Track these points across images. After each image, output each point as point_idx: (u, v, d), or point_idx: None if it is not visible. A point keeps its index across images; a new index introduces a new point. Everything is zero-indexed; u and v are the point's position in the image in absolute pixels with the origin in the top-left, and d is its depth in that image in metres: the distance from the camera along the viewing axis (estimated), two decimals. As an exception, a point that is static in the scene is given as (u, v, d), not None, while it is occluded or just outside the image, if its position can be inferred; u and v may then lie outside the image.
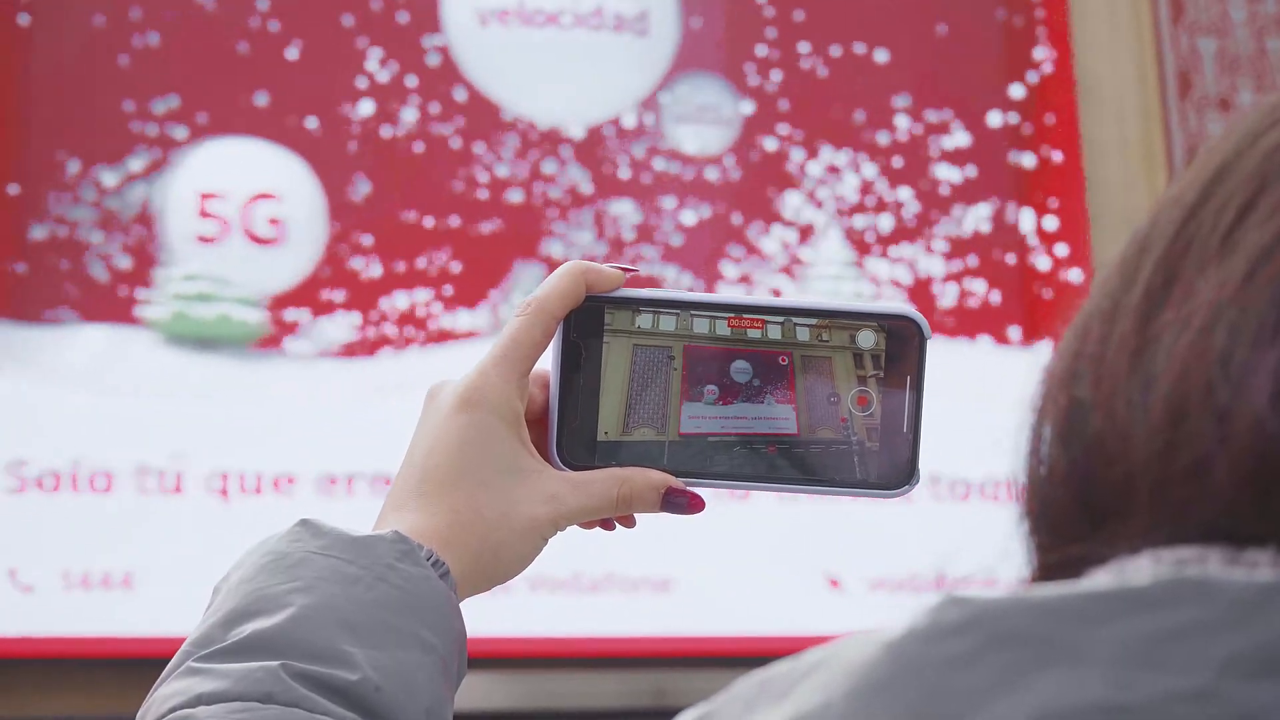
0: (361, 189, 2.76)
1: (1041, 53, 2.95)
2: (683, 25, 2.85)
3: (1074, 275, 2.83)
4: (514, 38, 2.77)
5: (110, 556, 2.56)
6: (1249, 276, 0.47)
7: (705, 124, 2.84)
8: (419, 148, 2.79)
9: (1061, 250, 2.87)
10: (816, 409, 0.78)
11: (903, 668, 0.44)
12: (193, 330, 2.66)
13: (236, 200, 2.70)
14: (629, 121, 2.82)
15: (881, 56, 2.94)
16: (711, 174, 2.84)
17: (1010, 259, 2.89)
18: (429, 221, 2.77)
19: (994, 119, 2.95)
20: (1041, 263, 2.88)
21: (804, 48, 2.91)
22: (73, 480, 2.57)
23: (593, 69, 2.80)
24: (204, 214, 2.69)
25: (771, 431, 0.78)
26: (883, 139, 2.91)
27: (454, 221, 2.78)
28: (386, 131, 2.78)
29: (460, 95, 2.80)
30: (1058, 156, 2.89)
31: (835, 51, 2.92)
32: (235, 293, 2.67)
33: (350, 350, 2.72)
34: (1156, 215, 0.52)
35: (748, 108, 2.87)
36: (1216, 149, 0.51)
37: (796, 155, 2.88)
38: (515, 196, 2.79)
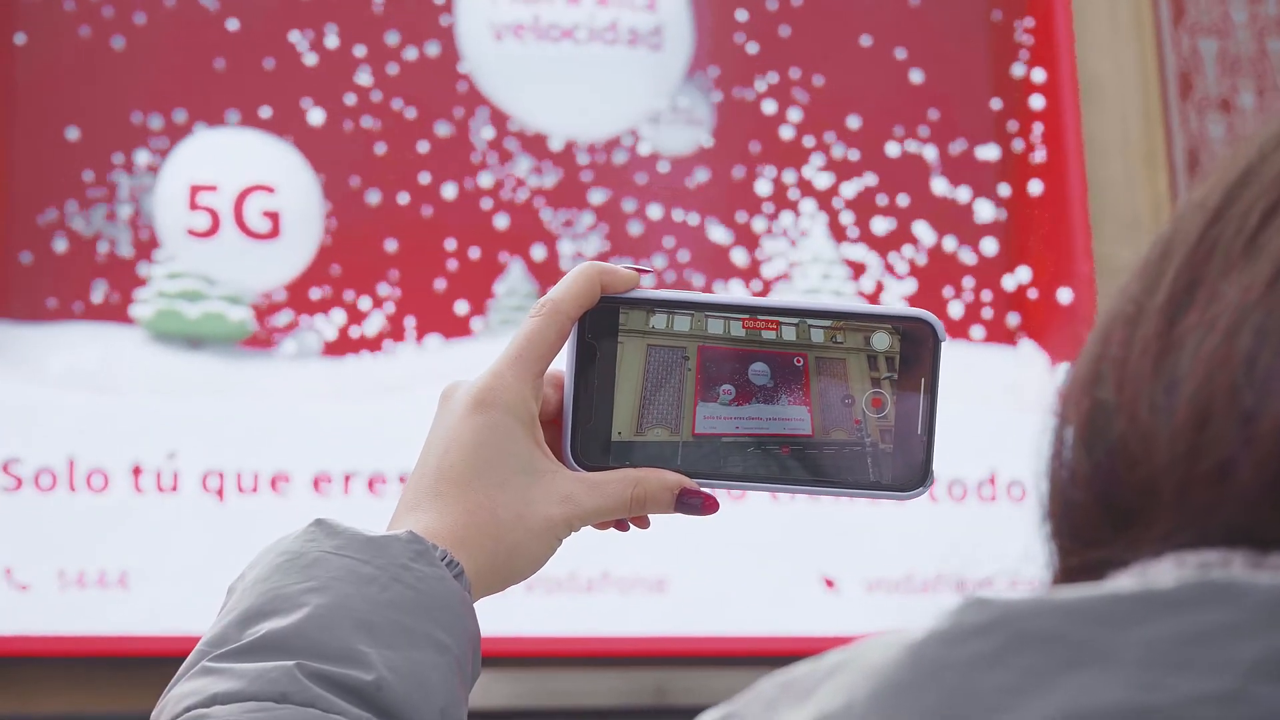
0: (358, 187, 2.76)
1: (1042, 53, 2.95)
2: (696, 38, 2.86)
3: (1069, 278, 2.83)
4: (529, 52, 2.77)
5: (106, 555, 2.55)
6: (1274, 280, 0.47)
7: (697, 126, 2.85)
8: (422, 148, 2.79)
9: (1060, 250, 2.87)
10: (831, 410, 0.78)
11: (925, 669, 0.43)
12: (181, 328, 2.66)
13: (229, 193, 2.69)
14: (642, 133, 2.82)
15: (880, 58, 2.94)
16: (704, 175, 2.85)
17: (1006, 257, 2.89)
18: (426, 222, 2.77)
19: (993, 119, 2.95)
20: (1039, 262, 2.88)
21: (800, 47, 2.91)
22: (69, 479, 2.57)
23: (607, 83, 2.81)
24: (195, 207, 2.68)
25: (785, 432, 0.78)
26: (881, 139, 2.91)
27: (454, 222, 2.78)
28: (390, 132, 2.78)
29: (476, 108, 2.80)
30: (1057, 157, 2.89)
31: (831, 52, 2.92)
32: (223, 290, 2.67)
33: (343, 348, 2.72)
34: (1180, 219, 0.52)
35: (738, 108, 2.88)
36: (1241, 153, 0.51)
37: (791, 155, 2.88)
38: (517, 200, 2.79)
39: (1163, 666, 0.41)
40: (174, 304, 2.65)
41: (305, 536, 0.74)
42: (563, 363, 0.79)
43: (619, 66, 2.80)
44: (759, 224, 2.84)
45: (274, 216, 2.69)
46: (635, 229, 2.82)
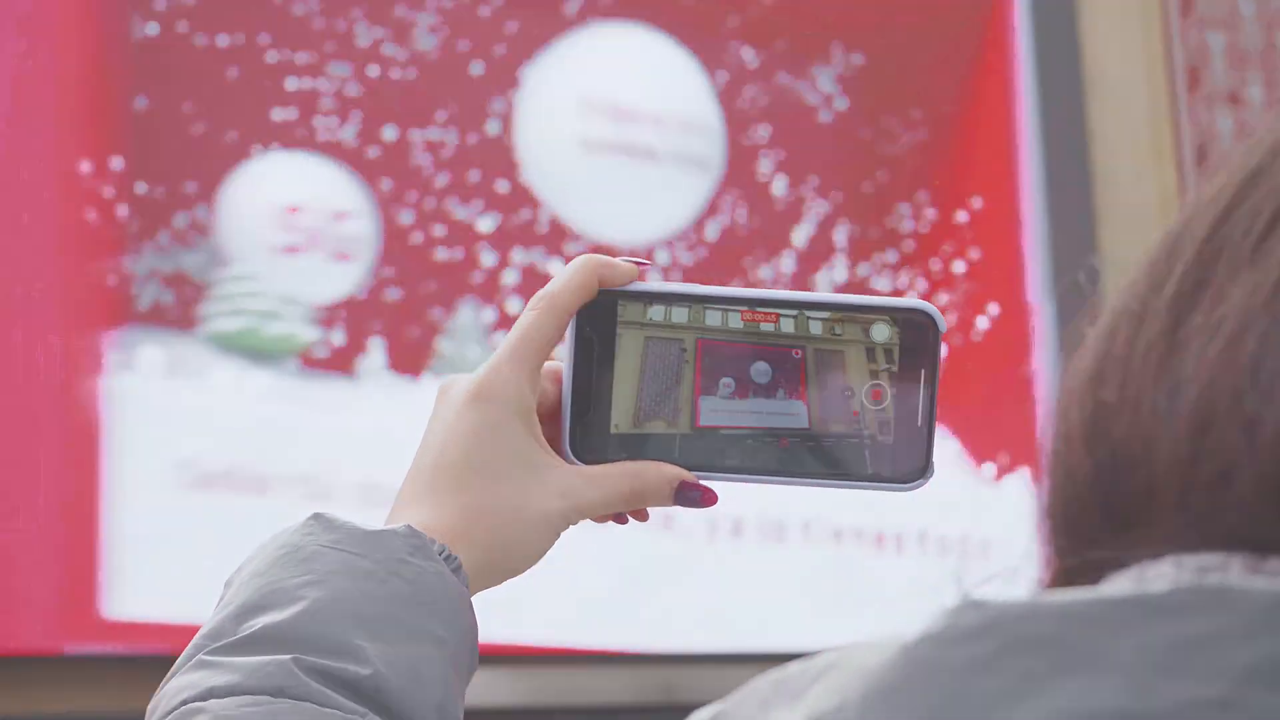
0: (411, 219, 2.74)
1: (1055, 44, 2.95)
2: (728, 151, 2.85)
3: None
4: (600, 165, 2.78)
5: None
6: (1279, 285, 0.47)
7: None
8: (480, 182, 2.78)
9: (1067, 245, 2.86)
10: (829, 403, 0.78)
11: (918, 671, 0.43)
12: (240, 344, 2.64)
13: (299, 210, 2.67)
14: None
15: (887, 66, 2.93)
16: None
17: (1010, 253, 2.89)
18: (475, 255, 2.76)
19: (998, 114, 2.94)
20: (1042, 258, 2.88)
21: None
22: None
23: (649, 197, 2.82)
24: (263, 224, 2.66)
25: (784, 425, 0.78)
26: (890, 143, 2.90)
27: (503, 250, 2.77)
28: (448, 161, 2.76)
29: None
30: (1062, 152, 2.88)
31: (834, 60, 2.91)
32: (276, 307, 2.65)
33: (393, 370, 2.69)
34: (1189, 218, 0.51)
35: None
36: (1252, 151, 0.51)
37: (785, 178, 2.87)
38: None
39: (1157, 671, 0.41)
40: (247, 322, 2.63)
41: (303, 530, 0.74)
42: (561, 356, 0.79)
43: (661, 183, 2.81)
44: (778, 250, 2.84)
45: (336, 238, 2.67)
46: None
